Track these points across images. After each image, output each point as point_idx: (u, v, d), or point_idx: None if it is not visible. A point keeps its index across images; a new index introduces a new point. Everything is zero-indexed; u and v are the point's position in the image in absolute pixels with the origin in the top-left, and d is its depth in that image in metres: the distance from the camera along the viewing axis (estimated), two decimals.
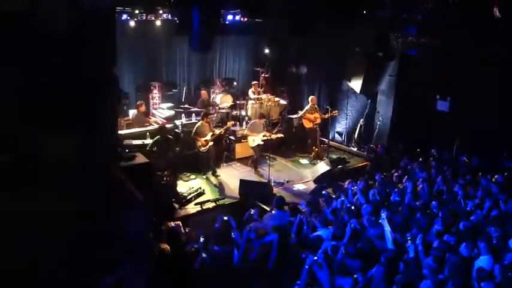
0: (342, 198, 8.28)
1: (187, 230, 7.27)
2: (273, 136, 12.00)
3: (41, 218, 5.52)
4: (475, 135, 10.49)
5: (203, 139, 11.04)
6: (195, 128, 11.12)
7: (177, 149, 11.11)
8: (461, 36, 10.51)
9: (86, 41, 6.01)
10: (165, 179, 9.92)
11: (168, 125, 11.60)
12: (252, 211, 7.61)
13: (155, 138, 10.39)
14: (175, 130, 11.89)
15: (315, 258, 5.50)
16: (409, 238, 6.12)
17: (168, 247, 6.11)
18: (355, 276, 5.54)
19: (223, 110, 13.78)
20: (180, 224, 7.13)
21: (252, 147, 11.89)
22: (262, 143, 11.83)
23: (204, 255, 5.88)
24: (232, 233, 6.49)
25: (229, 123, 12.02)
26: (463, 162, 9.95)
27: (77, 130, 5.90)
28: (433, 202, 7.68)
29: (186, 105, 13.50)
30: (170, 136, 10.73)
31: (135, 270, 5.45)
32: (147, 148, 10.17)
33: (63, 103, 5.87)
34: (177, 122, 12.29)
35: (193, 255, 6.07)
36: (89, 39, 6.12)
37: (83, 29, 5.97)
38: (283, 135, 12.71)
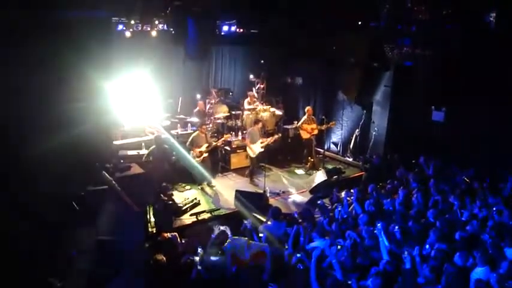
0: (339, 208, 8.27)
1: (183, 241, 7.23)
2: (271, 139, 11.95)
3: (35, 225, 5.49)
4: (470, 145, 10.52)
5: (198, 150, 11.01)
6: (190, 138, 11.11)
7: (173, 158, 11.07)
8: (456, 47, 10.57)
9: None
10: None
11: (163, 135, 11.55)
12: (246, 222, 7.58)
13: (150, 149, 10.36)
14: (171, 140, 11.86)
15: None
16: (406, 252, 6.09)
17: (164, 258, 6.07)
18: (349, 282, 5.52)
19: (219, 120, 13.78)
20: (177, 235, 7.08)
21: (255, 157, 11.76)
22: (262, 150, 11.73)
23: (199, 267, 5.82)
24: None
25: (226, 136, 12.01)
26: (462, 179, 9.87)
27: (72, 139, 5.90)
28: (430, 211, 7.66)
29: (182, 116, 13.49)
30: (165, 146, 10.70)
31: (131, 281, 5.41)
32: (143, 159, 10.14)
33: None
34: (173, 132, 12.26)
35: (189, 267, 6.03)
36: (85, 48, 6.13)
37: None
38: (280, 135, 12.64)
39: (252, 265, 6.12)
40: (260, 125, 12.03)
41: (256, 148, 11.64)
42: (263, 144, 11.71)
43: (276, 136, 12.20)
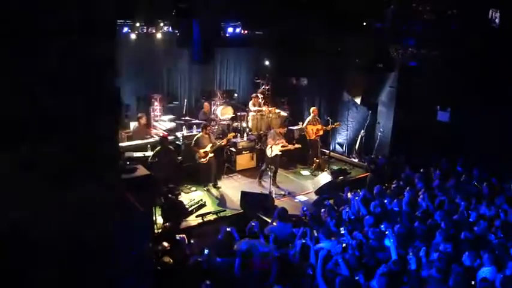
0: (347, 210, 8.26)
1: (192, 241, 7.24)
2: (291, 147, 11.84)
3: (37, 230, 5.50)
4: (476, 145, 10.49)
5: (202, 150, 11.02)
6: (194, 139, 11.12)
7: (179, 158, 11.06)
8: (461, 47, 10.54)
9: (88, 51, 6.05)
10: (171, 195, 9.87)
11: (169, 137, 11.56)
12: (253, 223, 7.56)
13: (156, 150, 10.39)
14: (176, 142, 11.90)
15: None
16: (411, 252, 6.08)
17: (171, 260, 6.08)
18: (356, 278, 5.52)
19: (224, 122, 13.79)
20: (185, 237, 7.10)
21: (270, 158, 11.60)
22: (280, 153, 11.63)
23: (208, 282, 5.77)
24: (235, 245, 6.45)
25: (230, 135, 11.99)
26: (472, 184, 9.78)
27: (76, 140, 5.92)
28: (437, 212, 7.64)
29: (187, 117, 13.52)
30: (171, 147, 10.70)
31: (137, 282, 5.41)
32: (148, 160, 10.16)
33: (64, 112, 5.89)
34: (178, 134, 12.29)
35: (196, 268, 6.03)
36: (91, 49, 6.15)
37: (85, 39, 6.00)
38: (300, 146, 12.46)
39: (260, 267, 6.13)
40: (284, 130, 12.01)
41: (274, 149, 11.54)
42: (283, 148, 11.61)
43: (296, 145, 12.17)
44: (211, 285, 5.55)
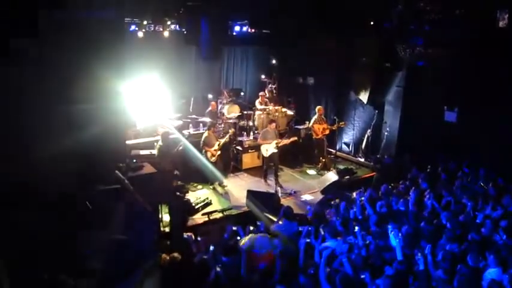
0: (354, 209, 8.25)
1: (199, 239, 7.26)
2: (287, 141, 11.78)
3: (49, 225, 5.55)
4: (483, 145, 10.44)
5: (212, 149, 11.06)
6: (202, 139, 11.15)
7: (180, 148, 10.98)
8: (468, 47, 10.49)
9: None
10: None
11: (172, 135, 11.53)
12: (252, 228, 7.55)
13: (157, 146, 10.38)
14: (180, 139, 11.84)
15: None
16: (419, 253, 6.05)
17: (180, 256, 6.09)
18: (362, 276, 5.51)
19: (231, 121, 13.80)
20: (192, 235, 7.11)
21: (267, 157, 11.65)
22: (276, 151, 11.59)
23: (218, 268, 5.80)
24: (239, 242, 6.47)
25: (230, 131, 12.02)
26: (478, 184, 9.72)
27: (85, 138, 5.96)
28: (443, 213, 7.61)
29: (194, 116, 13.53)
30: (171, 143, 10.67)
31: (145, 280, 5.45)
32: (155, 156, 10.17)
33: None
34: (185, 132, 12.30)
35: (202, 266, 6.05)
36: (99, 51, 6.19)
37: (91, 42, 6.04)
38: (296, 138, 12.36)
39: (264, 264, 6.14)
40: (274, 125, 11.88)
41: (269, 148, 11.57)
42: (279, 145, 11.57)
43: (293, 138, 12.05)
44: (221, 271, 5.58)
